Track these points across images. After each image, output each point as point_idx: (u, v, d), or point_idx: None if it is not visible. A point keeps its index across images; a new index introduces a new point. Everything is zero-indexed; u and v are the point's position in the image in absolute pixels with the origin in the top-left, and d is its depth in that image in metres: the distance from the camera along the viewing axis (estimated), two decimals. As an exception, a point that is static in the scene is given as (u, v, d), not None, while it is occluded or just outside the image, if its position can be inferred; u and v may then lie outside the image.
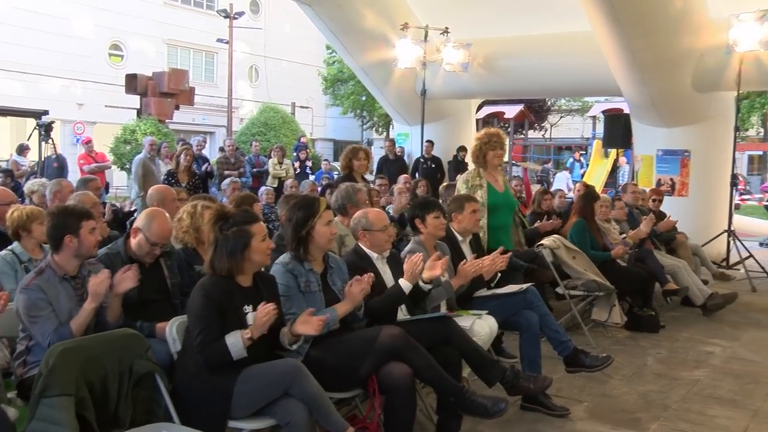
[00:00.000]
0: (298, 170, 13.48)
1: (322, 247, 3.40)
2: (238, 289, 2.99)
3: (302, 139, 15.64)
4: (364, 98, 30.29)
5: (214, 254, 2.97)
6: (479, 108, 16.81)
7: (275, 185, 11.25)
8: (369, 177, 8.16)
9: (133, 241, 3.47)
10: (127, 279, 3.15)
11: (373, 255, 3.78)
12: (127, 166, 20.36)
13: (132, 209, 6.16)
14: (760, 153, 30.20)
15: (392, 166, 12.22)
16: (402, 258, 3.99)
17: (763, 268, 9.08)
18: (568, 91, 14.88)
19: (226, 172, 10.37)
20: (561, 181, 18.91)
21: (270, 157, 12.13)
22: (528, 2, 10.04)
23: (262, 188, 8.67)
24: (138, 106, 20.91)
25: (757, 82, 9.27)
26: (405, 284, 3.60)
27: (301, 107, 33.43)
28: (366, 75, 11.78)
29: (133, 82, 20.46)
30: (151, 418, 2.92)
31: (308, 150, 15.06)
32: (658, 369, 5.16)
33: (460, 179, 5.32)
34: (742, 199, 15.01)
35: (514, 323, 4.31)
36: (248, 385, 2.82)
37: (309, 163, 14.12)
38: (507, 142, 5.47)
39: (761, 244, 12.42)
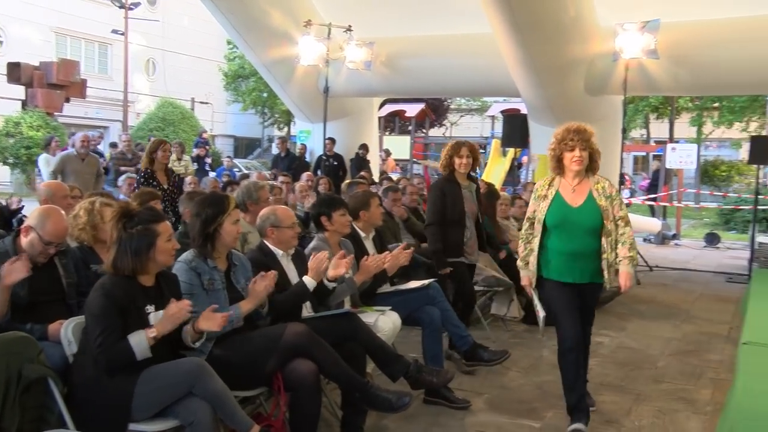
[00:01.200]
0: (197, 166, 13.20)
1: (228, 245, 3.35)
2: (141, 289, 2.90)
3: (203, 135, 15.27)
4: (265, 95, 29.94)
5: (117, 253, 2.86)
6: (381, 106, 16.95)
7: (174, 182, 10.95)
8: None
9: (25, 240, 3.28)
10: (16, 270, 2.98)
11: (278, 252, 3.77)
12: (11, 160, 19.31)
13: (20, 206, 5.79)
14: (644, 154, 31.97)
15: (282, 163, 12.16)
16: (306, 255, 4.00)
17: (646, 262, 9.67)
18: (469, 90, 15.26)
19: (122, 168, 9.97)
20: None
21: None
22: (431, 3, 10.22)
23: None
24: (23, 97, 19.81)
25: (640, 87, 9.82)
26: (309, 281, 3.61)
27: (201, 103, 32.64)
28: (268, 72, 11.65)
29: (15, 71, 19.35)
30: (42, 426, 2.77)
31: (208, 146, 14.73)
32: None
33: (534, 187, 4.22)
34: (629, 200, 15.90)
35: (417, 319, 4.40)
36: (150, 386, 2.74)
37: (209, 160, 13.82)
38: (593, 139, 3.84)
39: (645, 240, 13.22)
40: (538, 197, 4.00)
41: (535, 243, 3.97)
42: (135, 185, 7.20)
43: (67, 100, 20.36)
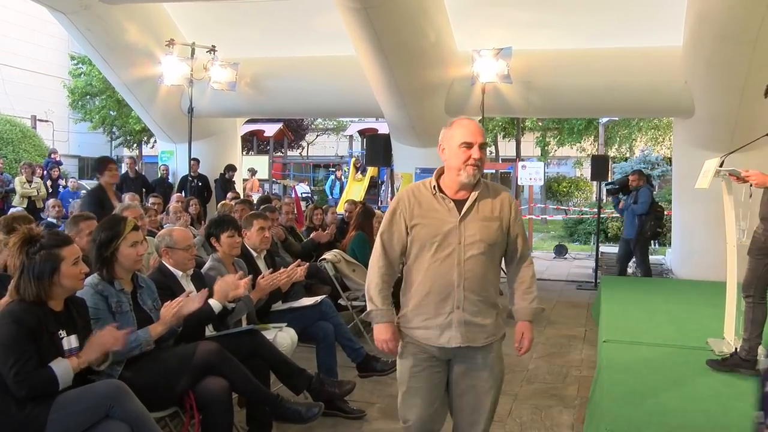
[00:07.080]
0: (50, 189, 12.47)
1: (129, 268, 3.30)
2: (51, 313, 2.81)
3: (53, 156, 14.39)
4: (113, 113, 28.56)
5: (20, 279, 2.76)
6: (241, 126, 16.80)
7: (25, 205, 10.33)
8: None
9: None
10: None
11: (178, 273, 3.76)
12: None
13: None
14: (492, 171, 33.85)
15: (133, 184, 11.76)
16: (204, 275, 4.01)
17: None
18: (333, 111, 15.46)
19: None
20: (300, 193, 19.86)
21: (20, 174, 11.07)
22: (295, 25, 10.39)
23: (15, 209, 7.92)
24: None
25: (496, 109, 10.50)
26: (215, 304, 3.64)
27: (40, 120, 30.57)
28: (129, 91, 11.25)
29: None
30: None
31: (60, 168, 13.93)
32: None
33: None
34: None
35: (312, 334, 4.52)
36: (64, 412, 2.67)
37: (63, 182, 13.07)
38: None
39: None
40: None
41: None
42: None
43: None
